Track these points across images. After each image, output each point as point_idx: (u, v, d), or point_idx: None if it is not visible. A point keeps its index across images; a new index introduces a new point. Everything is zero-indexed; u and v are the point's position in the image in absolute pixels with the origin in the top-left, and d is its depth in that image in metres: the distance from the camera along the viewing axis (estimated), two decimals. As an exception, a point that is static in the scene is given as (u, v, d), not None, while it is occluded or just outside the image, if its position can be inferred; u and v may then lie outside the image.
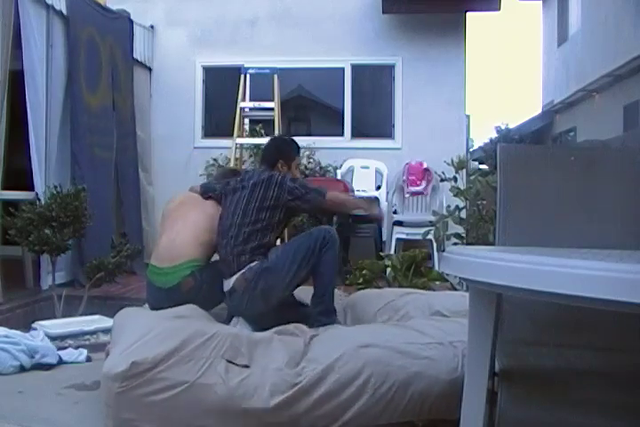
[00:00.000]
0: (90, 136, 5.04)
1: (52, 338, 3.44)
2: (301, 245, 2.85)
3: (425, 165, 6.21)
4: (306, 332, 2.64)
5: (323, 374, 2.24)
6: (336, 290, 3.38)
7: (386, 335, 2.52)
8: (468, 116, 8.29)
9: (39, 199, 4.29)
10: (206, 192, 3.33)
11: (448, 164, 4.76)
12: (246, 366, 2.27)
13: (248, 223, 2.90)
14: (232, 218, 2.96)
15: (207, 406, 2.20)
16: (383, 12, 6.34)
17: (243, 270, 2.86)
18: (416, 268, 4.67)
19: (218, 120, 6.88)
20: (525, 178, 1.82)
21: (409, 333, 2.54)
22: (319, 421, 2.20)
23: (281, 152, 3.21)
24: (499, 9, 6.30)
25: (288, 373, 2.26)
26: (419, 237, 5.05)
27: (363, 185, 6.09)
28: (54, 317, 3.87)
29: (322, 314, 2.85)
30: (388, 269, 4.65)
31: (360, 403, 2.20)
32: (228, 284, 2.93)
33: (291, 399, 2.19)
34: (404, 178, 6.19)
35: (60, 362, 3.22)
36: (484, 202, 4.43)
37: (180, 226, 3.19)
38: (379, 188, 6.20)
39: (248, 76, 5.59)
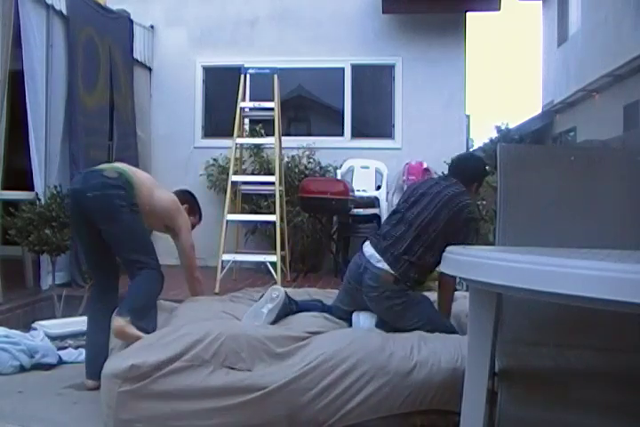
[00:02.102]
0: (86, 137, 5.04)
1: (52, 338, 3.44)
2: (435, 325, 2.69)
3: (425, 165, 6.20)
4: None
5: (323, 366, 2.25)
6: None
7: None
8: (468, 116, 8.29)
9: (39, 199, 4.29)
10: None
11: (448, 164, 4.75)
12: (247, 370, 2.27)
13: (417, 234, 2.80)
14: (416, 219, 2.83)
15: (207, 406, 2.20)
16: (383, 12, 6.34)
17: (394, 273, 2.75)
18: (416, 268, 4.65)
19: (218, 120, 6.87)
20: (525, 178, 1.82)
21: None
22: (319, 414, 2.21)
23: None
24: (499, 9, 6.30)
25: (288, 370, 2.26)
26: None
27: (363, 185, 6.09)
28: (54, 317, 3.87)
29: None
30: (388, 269, 4.64)
31: (361, 395, 2.21)
32: (376, 260, 2.79)
33: (290, 392, 2.20)
34: (404, 178, 6.19)
35: (60, 362, 3.22)
36: (484, 202, 4.43)
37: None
38: (379, 188, 6.20)
39: (248, 76, 5.59)
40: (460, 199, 2.83)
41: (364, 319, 2.83)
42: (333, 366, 2.25)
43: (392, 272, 2.74)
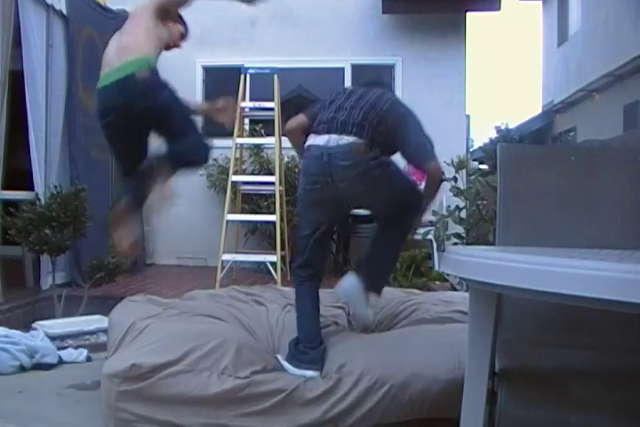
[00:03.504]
0: (85, 137, 5.03)
1: (52, 338, 3.43)
2: (404, 189, 2.59)
3: (425, 165, 6.19)
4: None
5: (322, 377, 2.25)
6: None
7: (385, 338, 2.53)
8: (468, 116, 8.26)
9: (39, 199, 4.28)
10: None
11: (448, 164, 4.76)
12: (247, 377, 2.27)
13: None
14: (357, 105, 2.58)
15: (206, 410, 2.20)
16: (383, 12, 6.34)
17: (364, 140, 2.47)
18: (416, 268, 4.68)
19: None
20: (525, 178, 1.82)
21: (407, 335, 2.55)
22: (317, 424, 2.20)
23: None
24: (499, 9, 6.31)
25: (287, 380, 2.26)
26: (419, 237, 5.05)
27: (363, 185, 6.08)
28: (54, 317, 3.87)
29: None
30: (389, 269, 4.64)
31: (360, 408, 2.20)
32: (336, 140, 2.48)
33: (288, 402, 2.20)
34: (404, 178, 6.18)
35: (60, 362, 3.22)
36: (484, 202, 4.44)
37: (121, 36, 2.94)
38: (379, 188, 6.19)
39: (248, 76, 5.59)
40: (387, 96, 2.65)
41: (348, 284, 2.62)
42: (333, 378, 2.24)
43: (361, 141, 2.47)
